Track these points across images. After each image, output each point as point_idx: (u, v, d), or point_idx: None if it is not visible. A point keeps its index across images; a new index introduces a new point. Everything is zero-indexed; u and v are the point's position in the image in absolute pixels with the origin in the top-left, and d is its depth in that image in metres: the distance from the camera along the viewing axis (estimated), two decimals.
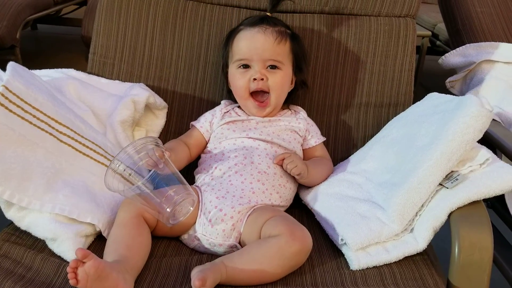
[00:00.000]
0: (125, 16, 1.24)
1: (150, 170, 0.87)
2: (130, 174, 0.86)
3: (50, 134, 0.93)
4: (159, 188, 0.86)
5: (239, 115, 1.12)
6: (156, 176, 0.86)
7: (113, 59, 1.24)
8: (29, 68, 1.01)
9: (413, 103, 1.20)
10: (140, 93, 1.15)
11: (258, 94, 1.09)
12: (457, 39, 1.74)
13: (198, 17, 1.26)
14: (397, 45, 1.25)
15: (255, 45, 1.08)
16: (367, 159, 1.09)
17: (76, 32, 2.96)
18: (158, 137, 1.21)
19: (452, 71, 1.67)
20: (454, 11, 1.75)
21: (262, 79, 1.07)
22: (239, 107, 1.15)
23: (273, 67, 1.08)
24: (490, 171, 0.92)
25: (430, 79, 2.95)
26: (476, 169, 0.93)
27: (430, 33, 2.64)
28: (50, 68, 1.17)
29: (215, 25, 1.26)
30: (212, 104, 1.23)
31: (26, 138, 0.89)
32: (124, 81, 1.24)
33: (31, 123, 0.90)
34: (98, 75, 1.23)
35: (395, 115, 1.22)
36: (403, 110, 1.22)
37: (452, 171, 0.92)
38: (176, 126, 1.24)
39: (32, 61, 2.92)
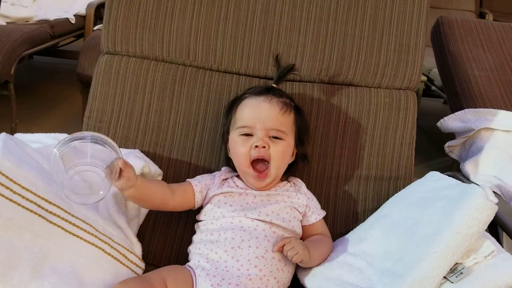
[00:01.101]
0: (122, 81, 1.22)
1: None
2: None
3: (39, 215, 0.88)
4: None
5: (237, 186, 1.09)
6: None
7: (108, 123, 1.22)
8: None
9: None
10: (135, 163, 1.11)
11: (258, 163, 1.06)
12: (455, 102, 1.74)
13: (197, 83, 1.24)
14: (398, 118, 1.24)
15: (259, 113, 1.06)
16: (368, 240, 1.06)
17: (72, 62, 2.89)
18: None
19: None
20: (452, 73, 1.76)
21: (264, 147, 1.04)
22: (238, 176, 1.12)
23: (276, 137, 1.06)
24: (495, 264, 0.89)
25: (426, 119, 2.98)
26: (480, 261, 0.90)
27: (425, 78, 2.66)
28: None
29: (213, 91, 1.24)
30: (208, 172, 1.20)
31: (13, 221, 0.85)
32: (119, 147, 1.20)
33: (19, 205, 0.86)
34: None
35: (396, 190, 1.20)
36: (404, 185, 1.21)
37: (456, 263, 0.89)
38: None
39: (28, 93, 2.87)
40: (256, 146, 1.04)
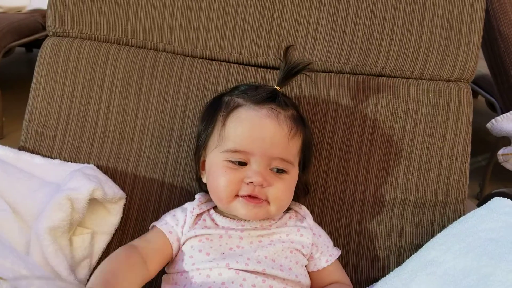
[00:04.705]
0: (73, 72, 0.92)
1: None
2: None
3: None
4: None
5: (216, 224, 0.78)
6: None
7: (54, 129, 0.91)
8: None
9: None
10: (81, 186, 0.80)
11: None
12: (509, 96, 1.40)
13: (173, 74, 0.92)
14: (446, 120, 0.91)
15: (261, 135, 0.74)
16: None
17: None
18: (110, 241, 0.87)
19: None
20: (505, 61, 1.42)
21: (262, 185, 0.73)
22: (216, 208, 0.81)
23: (280, 170, 0.75)
24: None
25: None
26: None
27: None
28: None
29: (195, 85, 0.92)
30: (189, 195, 0.89)
31: None
32: (68, 161, 0.90)
33: None
34: (32, 152, 0.90)
35: (444, 221, 0.88)
36: (455, 214, 0.89)
37: None
38: (137, 225, 0.89)
39: (25, 85, 2.62)
40: (251, 182, 0.73)
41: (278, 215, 0.80)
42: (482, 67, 1.75)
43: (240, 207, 0.75)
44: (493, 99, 1.73)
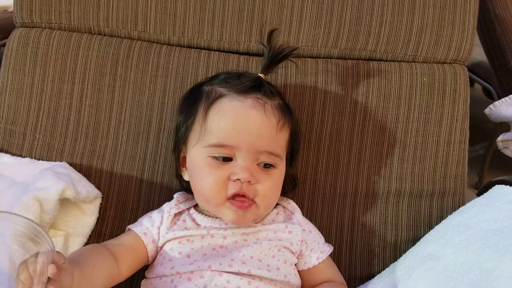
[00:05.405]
0: (42, 64, 0.86)
1: None
2: None
3: None
4: None
5: (197, 224, 0.72)
6: None
7: (24, 126, 0.85)
8: None
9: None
10: (50, 185, 0.75)
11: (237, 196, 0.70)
12: (507, 80, 1.34)
13: (149, 64, 0.86)
14: (442, 105, 0.86)
15: (248, 126, 0.69)
16: None
17: None
18: (86, 243, 0.81)
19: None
20: (501, 44, 1.36)
21: (250, 182, 0.68)
22: (197, 207, 0.75)
23: (267, 165, 0.70)
24: None
25: None
26: None
27: None
28: None
29: (173, 75, 0.86)
30: (170, 193, 0.83)
31: None
32: (39, 159, 0.85)
33: None
34: (1, 151, 0.84)
35: (442, 212, 0.82)
36: (454, 204, 0.83)
37: None
38: (115, 226, 0.83)
39: None
40: (238, 179, 0.67)
41: (266, 213, 0.74)
42: (478, 54, 1.70)
43: (229, 213, 0.69)
44: (489, 86, 1.68)
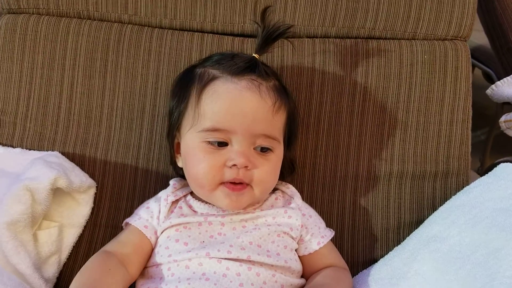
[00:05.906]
0: (31, 51, 0.83)
1: None
2: None
3: None
4: None
5: (194, 211, 0.70)
6: None
7: (14, 116, 0.83)
8: None
9: None
10: (41, 174, 0.72)
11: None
12: (509, 60, 1.32)
13: (141, 48, 0.84)
14: (444, 83, 0.83)
15: (243, 109, 0.66)
16: (411, 280, 0.66)
17: None
18: (81, 234, 0.79)
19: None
20: (502, 23, 1.33)
21: (246, 167, 0.65)
22: (193, 193, 0.73)
23: (264, 149, 0.67)
24: None
25: None
26: None
27: None
28: None
29: (166, 59, 0.84)
30: (166, 180, 0.81)
31: None
32: (31, 149, 0.82)
33: None
34: None
35: (446, 192, 0.81)
36: (458, 185, 0.81)
37: None
38: (110, 215, 0.81)
39: None
40: (234, 165, 0.65)
41: (263, 198, 0.72)
42: (477, 39, 1.67)
43: (222, 197, 0.67)
44: (490, 70, 1.65)
